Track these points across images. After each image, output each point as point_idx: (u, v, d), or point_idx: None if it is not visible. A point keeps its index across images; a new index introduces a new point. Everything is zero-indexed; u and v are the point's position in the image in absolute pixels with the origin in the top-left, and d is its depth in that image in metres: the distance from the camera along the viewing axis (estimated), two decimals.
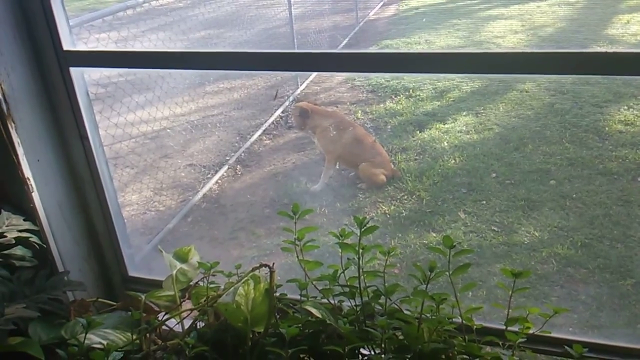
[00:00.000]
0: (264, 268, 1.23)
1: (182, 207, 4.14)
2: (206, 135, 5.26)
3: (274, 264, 1.20)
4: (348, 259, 1.22)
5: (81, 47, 1.39)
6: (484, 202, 3.92)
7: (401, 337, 1.14)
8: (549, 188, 4.03)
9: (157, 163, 4.74)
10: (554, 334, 1.15)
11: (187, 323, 1.28)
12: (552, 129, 4.89)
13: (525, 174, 4.22)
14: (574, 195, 3.91)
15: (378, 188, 4.21)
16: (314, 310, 1.13)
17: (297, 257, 1.24)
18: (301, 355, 1.16)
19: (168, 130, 5.20)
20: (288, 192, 4.33)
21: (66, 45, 1.29)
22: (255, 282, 1.21)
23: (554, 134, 4.81)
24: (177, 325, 1.29)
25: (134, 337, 1.22)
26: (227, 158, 4.85)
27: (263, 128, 5.37)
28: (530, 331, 1.11)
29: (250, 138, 5.18)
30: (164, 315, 1.30)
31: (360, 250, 1.19)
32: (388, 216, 3.86)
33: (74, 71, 1.32)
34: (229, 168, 4.71)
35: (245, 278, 1.21)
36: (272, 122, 5.51)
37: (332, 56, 1.23)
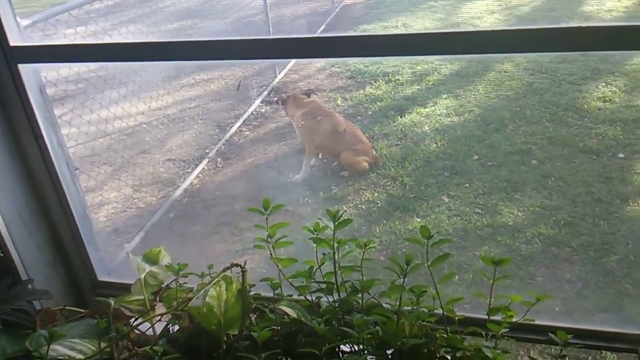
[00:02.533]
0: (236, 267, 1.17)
1: (162, 203, 4.06)
2: (184, 128, 5.16)
3: (245, 262, 1.14)
4: (324, 254, 1.17)
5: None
6: (467, 185, 3.91)
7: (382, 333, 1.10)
8: (531, 168, 4.02)
9: (135, 159, 4.63)
10: (537, 321, 1.12)
11: (162, 327, 1.23)
12: (531, 109, 4.88)
13: (507, 155, 4.21)
14: (556, 175, 3.91)
15: (361, 175, 4.17)
16: (288, 310, 1.08)
17: (270, 254, 1.19)
18: (279, 357, 1.11)
19: (144, 125, 5.08)
20: (270, 183, 4.27)
21: (13, 41, 1.21)
22: (227, 283, 1.15)
23: (533, 113, 4.81)
24: (151, 330, 1.23)
25: (103, 345, 1.16)
26: (207, 151, 4.76)
27: (243, 119, 5.28)
28: (514, 319, 1.08)
29: (229, 130, 5.09)
30: (134, 321, 1.24)
31: (335, 244, 1.14)
32: (372, 203, 3.83)
33: (23, 67, 1.23)
34: (209, 161, 4.62)
35: (217, 279, 1.15)
36: (252, 113, 5.42)
37: (309, 41, 1.17)
